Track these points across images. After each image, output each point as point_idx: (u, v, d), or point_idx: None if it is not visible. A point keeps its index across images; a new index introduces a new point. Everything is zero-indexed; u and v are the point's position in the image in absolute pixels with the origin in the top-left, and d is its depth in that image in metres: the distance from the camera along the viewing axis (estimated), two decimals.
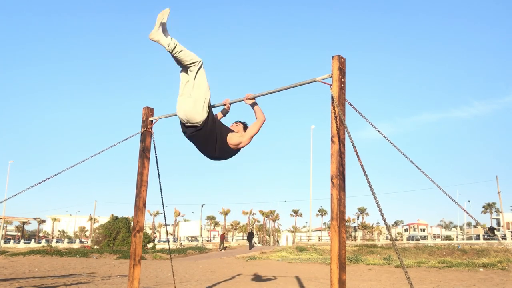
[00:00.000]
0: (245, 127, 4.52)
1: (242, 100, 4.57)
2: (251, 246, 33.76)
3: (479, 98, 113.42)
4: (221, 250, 35.31)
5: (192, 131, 4.15)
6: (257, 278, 12.19)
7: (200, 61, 4.06)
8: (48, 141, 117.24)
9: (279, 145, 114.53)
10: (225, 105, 4.78)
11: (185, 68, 4.12)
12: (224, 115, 4.78)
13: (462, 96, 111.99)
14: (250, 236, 36.47)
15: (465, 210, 3.78)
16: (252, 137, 4.39)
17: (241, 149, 4.47)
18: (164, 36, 3.94)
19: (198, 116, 4.04)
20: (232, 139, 4.32)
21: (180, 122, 4.21)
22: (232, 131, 4.44)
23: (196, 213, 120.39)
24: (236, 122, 4.60)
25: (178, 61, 4.07)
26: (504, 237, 35.33)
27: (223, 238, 38.57)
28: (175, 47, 3.95)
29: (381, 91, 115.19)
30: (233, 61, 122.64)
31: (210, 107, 4.18)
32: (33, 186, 5.07)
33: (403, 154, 3.77)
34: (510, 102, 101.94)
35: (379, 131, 3.81)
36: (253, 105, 4.46)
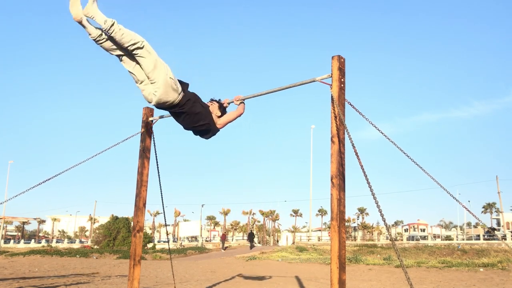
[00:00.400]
0: (220, 106, 4.44)
1: (232, 102, 4.68)
2: (252, 246, 33.93)
3: (479, 98, 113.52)
4: (222, 250, 35.43)
5: (175, 110, 3.96)
6: (257, 278, 12.19)
7: (143, 41, 3.52)
8: (48, 141, 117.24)
9: (279, 145, 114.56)
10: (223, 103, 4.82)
11: (126, 54, 3.60)
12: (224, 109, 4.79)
13: (462, 96, 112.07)
14: (251, 236, 37.06)
15: (466, 208, 3.78)
16: (225, 124, 4.43)
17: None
18: (99, 11, 3.35)
19: (172, 95, 3.76)
20: (214, 114, 4.33)
21: (159, 106, 3.89)
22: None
23: (196, 213, 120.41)
24: (211, 100, 4.47)
25: (116, 44, 3.48)
26: (504, 237, 35.34)
27: (224, 238, 38.73)
28: (112, 25, 3.34)
29: (381, 91, 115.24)
30: (233, 61, 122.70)
31: (178, 81, 3.88)
32: (34, 187, 5.08)
33: (404, 153, 3.78)
34: (510, 102, 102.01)
35: (379, 130, 3.81)
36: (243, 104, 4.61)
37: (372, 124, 3.84)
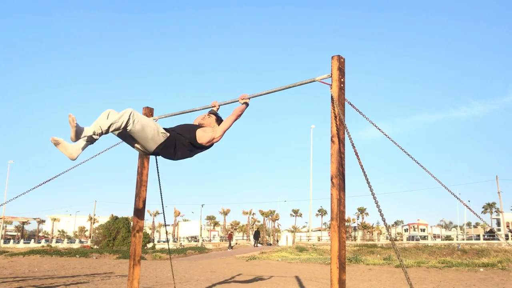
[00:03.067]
0: (218, 118, 4.42)
1: (234, 102, 4.61)
2: (257, 244, 34.44)
3: (478, 99, 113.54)
4: (229, 249, 35.87)
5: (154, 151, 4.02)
6: (257, 278, 12.19)
7: (131, 112, 3.67)
8: (48, 141, 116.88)
9: (279, 145, 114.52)
10: (214, 106, 4.82)
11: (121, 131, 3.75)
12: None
13: (461, 96, 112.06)
14: (257, 235, 37.73)
15: (467, 207, 3.80)
16: (225, 132, 4.28)
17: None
18: (82, 137, 3.54)
19: (154, 144, 3.90)
20: (203, 137, 4.16)
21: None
22: (200, 126, 4.30)
23: (196, 213, 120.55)
24: (209, 113, 4.48)
25: (117, 132, 3.72)
26: (506, 237, 35.35)
27: (231, 237, 39.27)
28: (100, 133, 3.57)
29: (380, 91, 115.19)
30: (233, 61, 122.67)
31: (163, 130, 3.99)
32: (34, 188, 5.07)
33: (405, 152, 3.77)
34: (508, 102, 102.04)
35: (379, 129, 3.81)
36: (244, 104, 4.47)
37: (373, 124, 3.84)
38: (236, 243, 43.13)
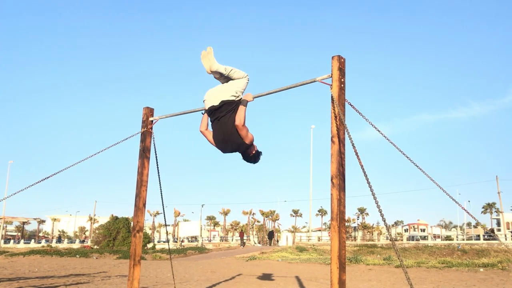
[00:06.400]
0: (257, 152, 4.58)
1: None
2: (271, 244, 35.11)
3: (477, 99, 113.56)
4: (241, 246, 36.64)
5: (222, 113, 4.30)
6: (257, 278, 12.18)
7: (246, 76, 4.46)
8: (48, 141, 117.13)
9: (279, 145, 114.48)
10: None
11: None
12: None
13: (460, 97, 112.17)
14: (271, 235, 38.86)
15: (465, 210, 3.79)
16: (249, 138, 4.34)
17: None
18: (218, 64, 4.40)
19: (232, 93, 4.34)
20: (241, 134, 4.31)
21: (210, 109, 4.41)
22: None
23: (196, 213, 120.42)
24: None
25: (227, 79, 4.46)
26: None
27: (242, 235, 39.78)
28: (231, 70, 4.40)
29: (380, 92, 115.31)
30: (233, 61, 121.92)
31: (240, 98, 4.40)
32: (32, 185, 5.08)
33: (403, 154, 3.78)
34: (507, 103, 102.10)
35: (379, 131, 3.81)
36: (244, 103, 4.37)
37: (372, 125, 3.84)
38: (229, 246, 43.31)
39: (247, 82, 4.49)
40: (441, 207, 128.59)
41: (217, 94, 4.37)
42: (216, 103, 4.32)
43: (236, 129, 4.26)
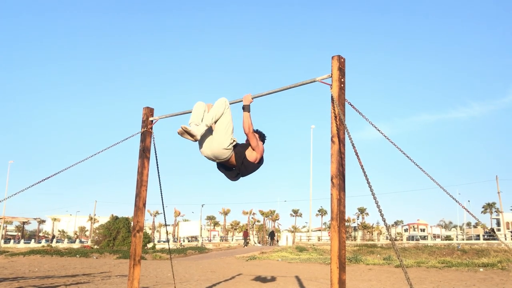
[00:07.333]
0: (261, 135, 4.58)
1: (238, 102, 4.57)
2: (272, 244, 35.29)
3: (477, 99, 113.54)
4: (245, 246, 36.78)
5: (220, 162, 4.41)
6: (257, 278, 12.19)
7: (226, 104, 4.33)
8: (48, 141, 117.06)
9: (279, 145, 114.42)
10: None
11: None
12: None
13: (460, 97, 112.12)
14: (272, 235, 39.10)
15: (465, 209, 3.79)
16: (259, 147, 4.41)
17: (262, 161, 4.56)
18: (201, 125, 4.26)
19: (226, 154, 4.29)
20: (251, 156, 4.38)
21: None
22: (248, 145, 4.44)
23: (196, 213, 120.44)
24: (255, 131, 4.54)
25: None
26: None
27: (246, 234, 39.88)
28: (212, 118, 4.27)
29: (380, 92, 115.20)
30: (233, 61, 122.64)
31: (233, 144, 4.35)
32: (33, 185, 5.08)
33: (403, 153, 3.78)
34: (507, 103, 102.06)
35: (379, 130, 3.81)
36: (247, 108, 4.37)
37: (372, 124, 3.84)
38: (229, 246, 43.38)
39: (229, 108, 4.40)
40: (441, 207, 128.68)
41: (213, 154, 4.32)
42: (217, 160, 4.39)
43: (249, 162, 4.35)
